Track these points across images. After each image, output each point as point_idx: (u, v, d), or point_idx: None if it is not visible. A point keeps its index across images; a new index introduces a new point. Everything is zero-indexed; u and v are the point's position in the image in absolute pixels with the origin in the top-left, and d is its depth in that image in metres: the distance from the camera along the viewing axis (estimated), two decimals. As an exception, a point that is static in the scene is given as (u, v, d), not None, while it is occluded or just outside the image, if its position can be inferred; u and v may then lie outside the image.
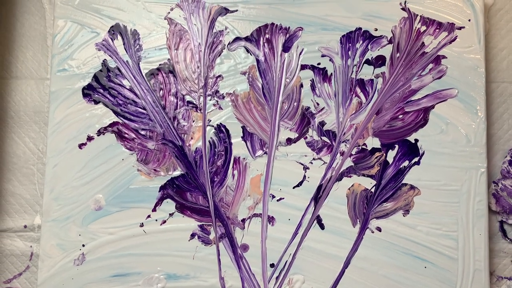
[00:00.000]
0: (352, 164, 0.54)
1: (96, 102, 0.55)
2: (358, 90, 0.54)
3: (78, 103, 0.55)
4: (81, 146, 0.54)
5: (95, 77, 0.55)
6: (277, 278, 0.53)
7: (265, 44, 0.55)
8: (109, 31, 0.55)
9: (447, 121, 0.54)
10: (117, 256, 0.53)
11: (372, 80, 0.54)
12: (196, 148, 0.54)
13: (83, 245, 0.53)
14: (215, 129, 0.54)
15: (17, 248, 0.56)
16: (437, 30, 0.55)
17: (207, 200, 0.54)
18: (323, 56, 0.55)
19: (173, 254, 0.53)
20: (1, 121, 0.58)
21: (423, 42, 0.55)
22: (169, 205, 0.54)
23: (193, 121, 0.54)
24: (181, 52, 0.55)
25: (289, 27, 0.55)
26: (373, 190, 0.54)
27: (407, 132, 0.54)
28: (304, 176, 0.54)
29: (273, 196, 0.54)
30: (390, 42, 0.55)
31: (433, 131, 0.54)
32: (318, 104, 0.54)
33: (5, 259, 0.56)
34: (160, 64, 0.55)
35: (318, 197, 0.53)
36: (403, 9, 0.55)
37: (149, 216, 0.53)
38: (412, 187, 0.53)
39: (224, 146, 0.54)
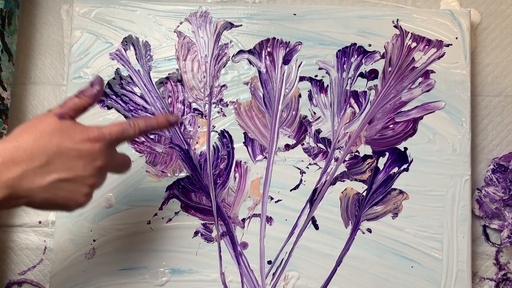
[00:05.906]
0: (346, 170, 0.56)
1: (109, 108, 0.56)
2: (352, 101, 0.56)
3: (92, 108, 0.53)
4: (94, 148, 0.56)
5: (109, 85, 0.56)
6: (274, 274, 0.54)
7: (267, 56, 0.57)
8: (122, 42, 0.57)
9: (435, 131, 0.55)
10: (126, 251, 0.54)
11: (365, 92, 0.56)
12: (201, 152, 0.56)
13: (94, 240, 0.54)
14: (219, 134, 0.56)
15: (31, 242, 0.57)
16: (427, 46, 0.57)
17: (210, 201, 0.55)
18: (320, 69, 0.57)
19: (177, 250, 0.54)
20: (20, 124, 0.58)
21: (413, 58, 0.56)
22: (174, 205, 0.55)
23: (199, 126, 0.56)
24: (189, 63, 0.57)
25: (289, 42, 0.57)
26: (364, 194, 0.55)
27: (397, 141, 0.56)
28: (301, 180, 0.56)
29: (272, 198, 0.55)
30: (382, 57, 0.57)
31: (421, 140, 0.55)
32: (315, 113, 0.56)
33: (20, 252, 0.57)
34: (169, 74, 0.57)
35: (313, 199, 0.55)
36: (395, 26, 0.57)
37: (156, 214, 0.55)
38: (401, 192, 0.55)
39: (227, 151, 0.56)
